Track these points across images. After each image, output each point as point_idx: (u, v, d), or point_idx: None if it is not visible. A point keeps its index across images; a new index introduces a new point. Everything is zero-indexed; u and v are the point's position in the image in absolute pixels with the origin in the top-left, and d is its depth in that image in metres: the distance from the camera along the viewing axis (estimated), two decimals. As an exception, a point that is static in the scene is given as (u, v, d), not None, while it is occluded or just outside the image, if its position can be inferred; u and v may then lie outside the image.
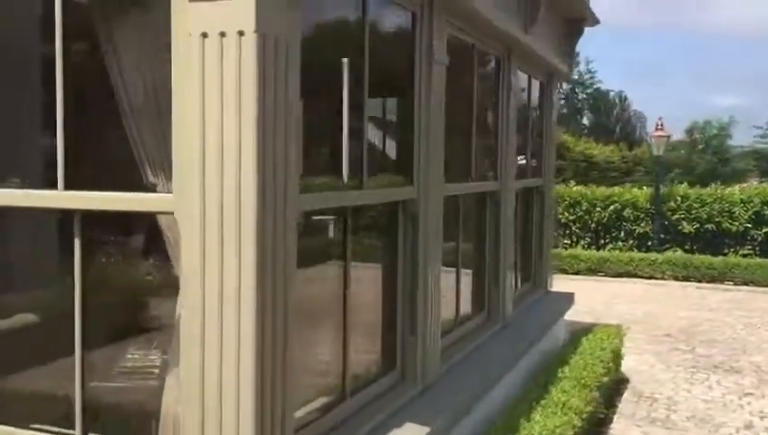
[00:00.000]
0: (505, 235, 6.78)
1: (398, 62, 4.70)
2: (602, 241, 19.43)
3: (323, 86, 3.97)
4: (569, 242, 19.66)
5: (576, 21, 8.38)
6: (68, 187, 3.38)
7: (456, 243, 5.95)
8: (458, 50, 5.69)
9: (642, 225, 19.14)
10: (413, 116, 4.66)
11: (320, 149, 3.97)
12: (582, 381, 6.24)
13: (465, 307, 6.31)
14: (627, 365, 9.08)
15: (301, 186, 3.26)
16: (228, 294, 2.99)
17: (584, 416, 5.68)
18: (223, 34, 2.95)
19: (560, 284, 15.80)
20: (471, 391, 5.04)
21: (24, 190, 3.47)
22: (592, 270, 17.70)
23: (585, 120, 58.68)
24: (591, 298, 14.51)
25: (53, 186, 3.38)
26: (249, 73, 2.93)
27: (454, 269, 6.02)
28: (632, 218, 19.27)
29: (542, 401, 5.62)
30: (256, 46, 2.92)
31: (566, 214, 19.69)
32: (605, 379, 6.91)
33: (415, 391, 4.76)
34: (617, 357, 7.94)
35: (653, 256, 17.67)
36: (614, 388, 7.85)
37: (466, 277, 6.61)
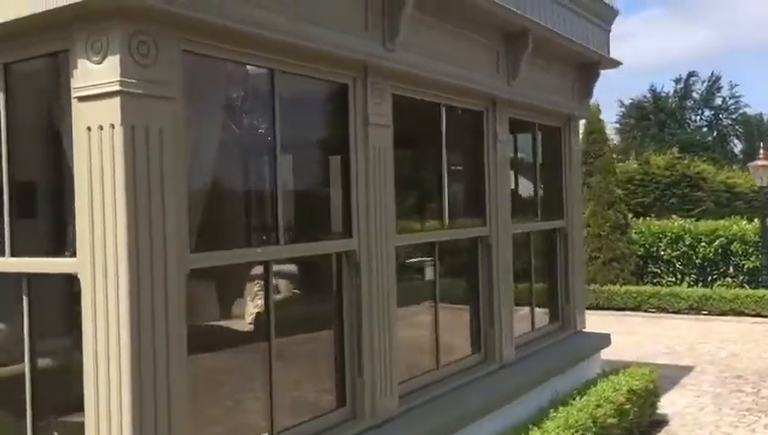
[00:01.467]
0: (501, 278, 7.04)
1: (330, 126, 5.25)
2: (710, 277, 18.65)
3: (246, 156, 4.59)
4: (673, 280, 19.01)
5: (589, 65, 8.55)
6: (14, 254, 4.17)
7: (434, 288, 6.33)
8: (422, 108, 6.16)
9: (752, 259, 18.23)
10: (350, 174, 5.17)
11: (246, 212, 4.57)
12: (571, 421, 6.34)
13: (452, 349, 6.61)
14: (675, 407, 8.92)
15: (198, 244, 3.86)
16: (111, 346, 3.61)
17: (557, 457, 5.80)
18: (101, 127, 3.63)
19: (653, 324, 15.44)
20: (424, 430, 5.36)
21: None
22: (695, 308, 17.05)
23: (736, 149, 55.87)
24: (680, 338, 14.07)
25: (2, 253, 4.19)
26: (119, 158, 3.59)
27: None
28: (740, 253, 18.40)
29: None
30: (123, 136, 3.58)
31: (668, 250, 19.09)
32: (611, 420, 6.92)
33: (362, 427, 5.16)
34: (641, 399, 7.84)
35: (760, 292, 16.80)
36: (637, 430, 7.76)
37: (461, 320, 6.94)
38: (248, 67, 4.52)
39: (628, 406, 7.43)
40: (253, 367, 4.88)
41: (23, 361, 4.26)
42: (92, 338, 3.69)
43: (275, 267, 6.49)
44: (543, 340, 8.12)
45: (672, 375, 10.73)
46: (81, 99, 3.70)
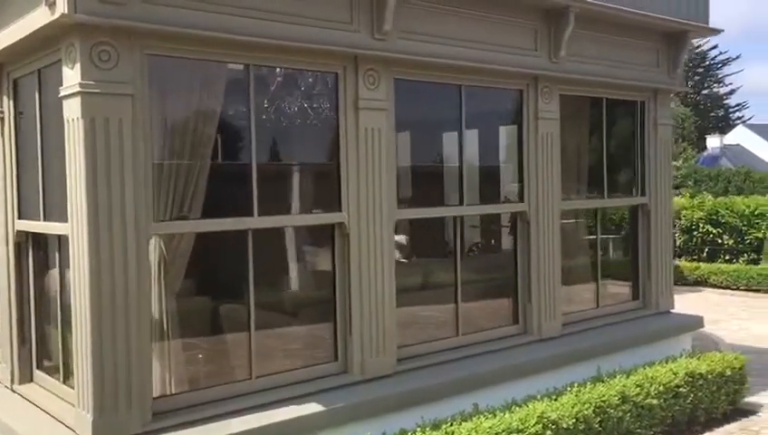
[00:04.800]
0: (541, 254, 7.16)
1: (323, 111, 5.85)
2: None
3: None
4: None
5: (676, 35, 8.14)
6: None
7: (455, 263, 6.70)
8: (441, 91, 6.54)
9: None
10: (339, 155, 5.75)
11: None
12: (587, 397, 6.37)
13: (479, 320, 6.94)
14: (780, 400, 8.35)
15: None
16: (77, 301, 4.62)
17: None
18: (72, 120, 4.60)
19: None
20: (414, 388, 5.85)
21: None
22: None
23: None
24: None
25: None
26: (80, 144, 4.54)
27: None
28: None
29: (508, 410, 5.99)
30: (84, 126, 4.52)
31: None
32: (651, 401, 6.79)
33: (352, 380, 5.78)
34: (711, 385, 7.48)
35: None
36: (706, 417, 7.45)
37: (501, 293, 7.25)
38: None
39: (684, 389, 7.20)
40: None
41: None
42: (73, 282, 4.73)
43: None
44: (611, 318, 8.04)
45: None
46: (63, 97, 4.70)
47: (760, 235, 18.56)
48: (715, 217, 19.40)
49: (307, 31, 5.41)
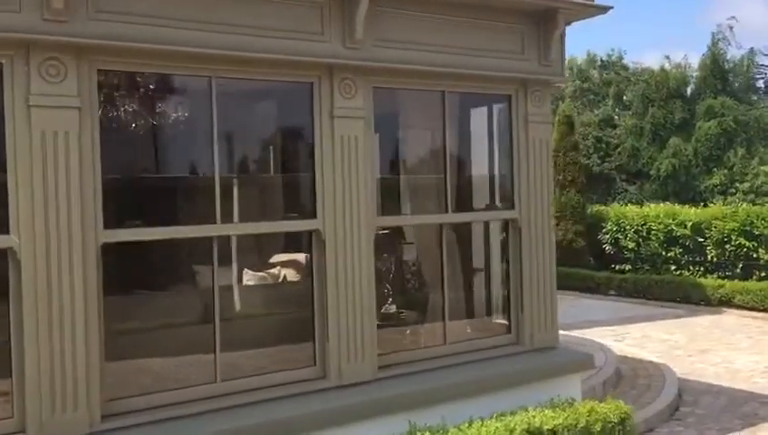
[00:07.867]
0: (342, 282, 5.85)
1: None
2: None
3: None
4: None
5: (543, 14, 6.63)
6: None
7: (212, 295, 5.50)
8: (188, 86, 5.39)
9: None
10: (7, 164, 4.68)
11: None
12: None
13: (250, 363, 5.72)
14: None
15: None
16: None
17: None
18: None
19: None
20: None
21: None
22: None
23: None
24: None
25: None
26: None
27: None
28: None
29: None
30: None
31: None
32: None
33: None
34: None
35: None
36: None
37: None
38: None
39: (522, 449, 5.72)
40: None
41: None
42: None
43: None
44: (463, 357, 6.59)
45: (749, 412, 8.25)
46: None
47: (799, 248, 16.35)
48: (749, 229, 17.25)
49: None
